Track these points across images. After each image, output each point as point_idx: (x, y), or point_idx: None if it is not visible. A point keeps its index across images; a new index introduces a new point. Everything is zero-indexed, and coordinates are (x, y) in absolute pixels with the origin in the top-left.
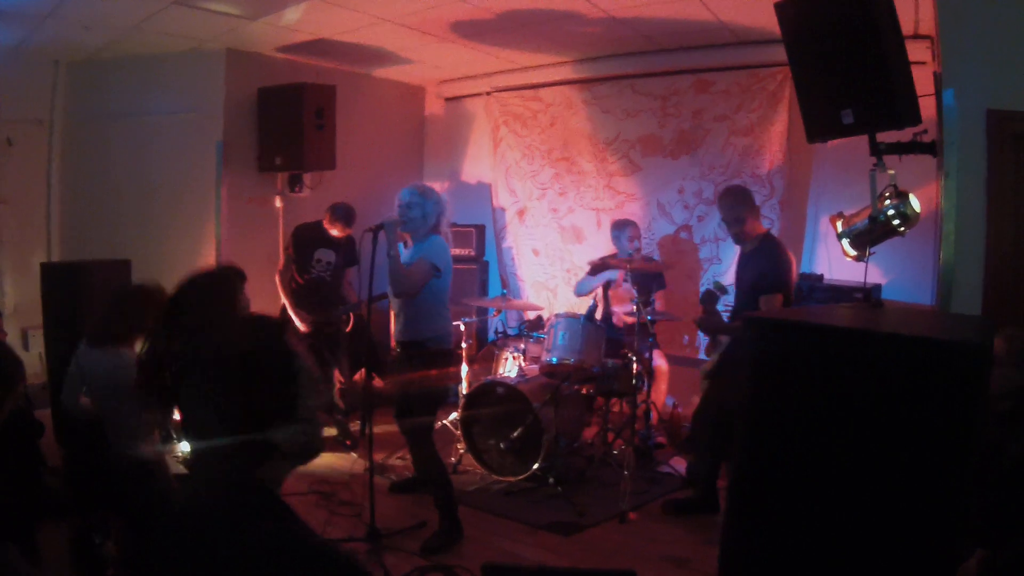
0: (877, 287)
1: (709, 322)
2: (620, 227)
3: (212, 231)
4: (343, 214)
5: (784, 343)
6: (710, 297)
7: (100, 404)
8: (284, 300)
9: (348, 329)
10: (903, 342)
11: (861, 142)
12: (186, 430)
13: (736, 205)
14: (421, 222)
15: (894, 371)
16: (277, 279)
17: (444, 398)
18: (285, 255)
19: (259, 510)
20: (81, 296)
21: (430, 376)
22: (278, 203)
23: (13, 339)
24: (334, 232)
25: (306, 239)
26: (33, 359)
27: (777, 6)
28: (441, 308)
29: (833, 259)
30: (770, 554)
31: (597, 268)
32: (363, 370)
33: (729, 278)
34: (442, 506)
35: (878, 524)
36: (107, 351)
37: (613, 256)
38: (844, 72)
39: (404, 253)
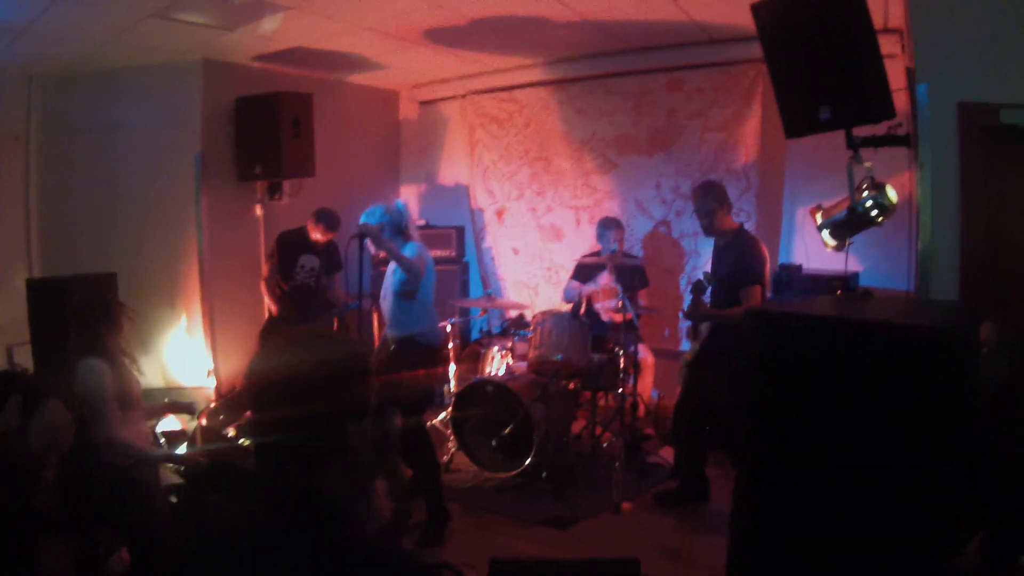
0: (855, 275)
1: (696, 310)
2: (606, 226)
3: (194, 242)
4: (326, 218)
5: (788, 335)
6: (699, 287)
7: (87, 415)
8: (270, 307)
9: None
10: (900, 331)
11: (832, 135)
12: None
13: (704, 198)
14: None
15: (891, 359)
16: (262, 287)
17: (432, 395)
18: (269, 262)
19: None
20: (68, 311)
21: (418, 375)
22: (258, 211)
23: None
24: (317, 236)
25: (289, 245)
26: None
27: (753, 7)
28: (430, 306)
29: (810, 249)
30: (777, 542)
31: (584, 274)
32: None
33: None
34: (432, 495)
35: (881, 511)
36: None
37: (597, 253)
38: (820, 70)
39: (389, 268)
